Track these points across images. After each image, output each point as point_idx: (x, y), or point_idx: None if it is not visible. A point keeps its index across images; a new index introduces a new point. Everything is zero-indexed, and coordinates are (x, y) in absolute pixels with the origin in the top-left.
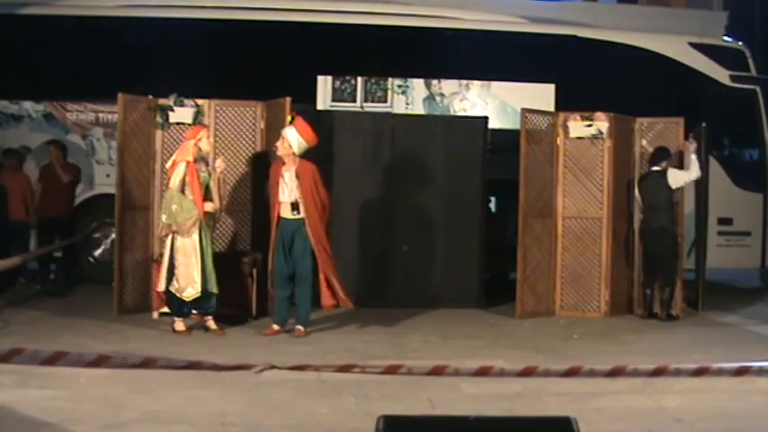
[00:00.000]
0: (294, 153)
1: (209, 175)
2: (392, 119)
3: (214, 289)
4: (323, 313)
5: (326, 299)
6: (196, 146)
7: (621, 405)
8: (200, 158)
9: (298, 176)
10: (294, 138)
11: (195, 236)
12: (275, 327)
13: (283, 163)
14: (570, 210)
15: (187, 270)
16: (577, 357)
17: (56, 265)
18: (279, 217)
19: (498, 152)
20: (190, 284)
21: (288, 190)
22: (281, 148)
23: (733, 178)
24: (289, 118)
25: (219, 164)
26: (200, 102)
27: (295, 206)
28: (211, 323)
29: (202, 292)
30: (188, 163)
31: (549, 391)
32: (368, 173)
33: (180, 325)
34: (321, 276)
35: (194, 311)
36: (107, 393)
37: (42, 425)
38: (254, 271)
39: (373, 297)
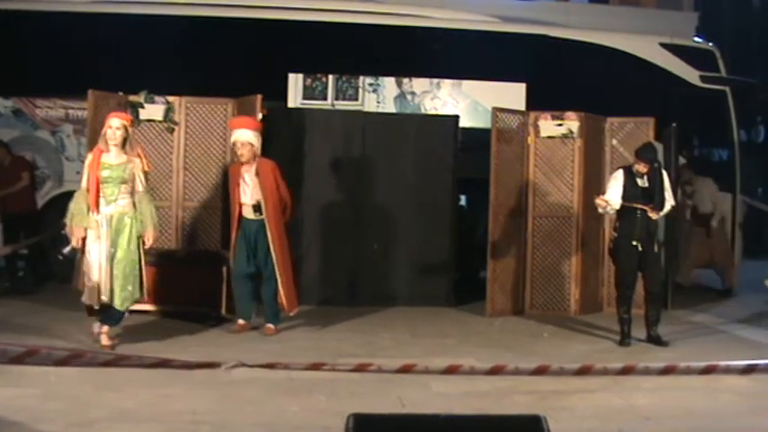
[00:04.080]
0: (256, 152)
1: (129, 168)
2: (363, 117)
3: (119, 304)
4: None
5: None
6: (103, 135)
7: (591, 403)
8: (120, 149)
9: (258, 175)
10: (250, 136)
11: (104, 238)
12: (241, 321)
13: (242, 163)
14: (541, 209)
15: (92, 274)
16: (547, 356)
17: (23, 262)
18: (240, 217)
19: (469, 151)
20: (89, 290)
21: (249, 191)
22: (246, 155)
23: None
24: (260, 115)
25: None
26: (170, 99)
27: (257, 207)
28: (104, 337)
29: (103, 302)
30: (93, 153)
31: (518, 389)
32: (339, 171)
33: (105, 338)
34: (279, 280)
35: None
36: (76, 392)
37: (10, 424)
38: (224, 269)
39: (343, 295)
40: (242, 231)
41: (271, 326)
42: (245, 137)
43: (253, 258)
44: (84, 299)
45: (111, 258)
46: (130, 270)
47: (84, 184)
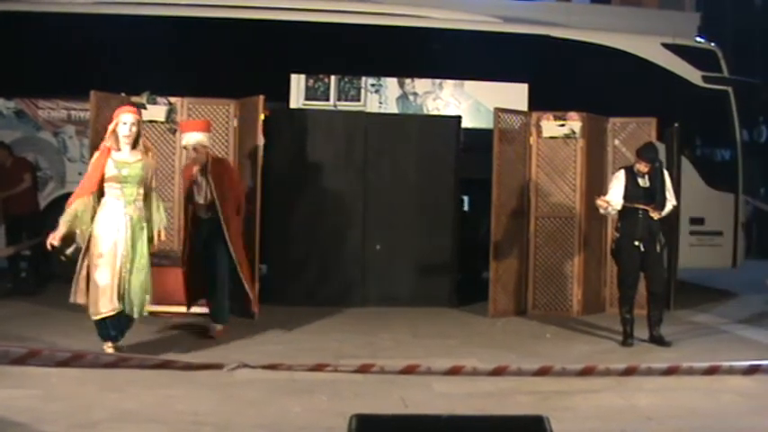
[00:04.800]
0: (208, 152)
1: (147, 165)
2: (365, 118)
3: (134, 312)
4: (294, 313)
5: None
6: (113, 132)
7: (593, 404)
8: (130, 147)
9: (212, 175)
10: (201, 138)
11: (123, 242)
12: (219, 327)
13: (195, 163)
14: (543, 209)
15: (99, 284)
16: (549, 356)
17: (26, 263)
18: (194, 216)
19: (471, 151)
20: (99, 301)
21: (202, 191)
22: (200, 157)
23: (705, 178)
24: (262, 116)
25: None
26: (173, 100)
27: (210, 207)
28: (109, 348)
29: (116, 312)
30: (101, 151)
31: (521, 389)
32: (341, 171)
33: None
34: (244, 282)
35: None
36: (78, 392)
37: (12, 425)
38: None
39: (345, 296)
40: (196, 229)
41: (218, 326)
42: (197, 139)
43: (207, 252)
44: (90, 308)
45: (128, 264)
46: (146, 278)
47: (87, 187)
